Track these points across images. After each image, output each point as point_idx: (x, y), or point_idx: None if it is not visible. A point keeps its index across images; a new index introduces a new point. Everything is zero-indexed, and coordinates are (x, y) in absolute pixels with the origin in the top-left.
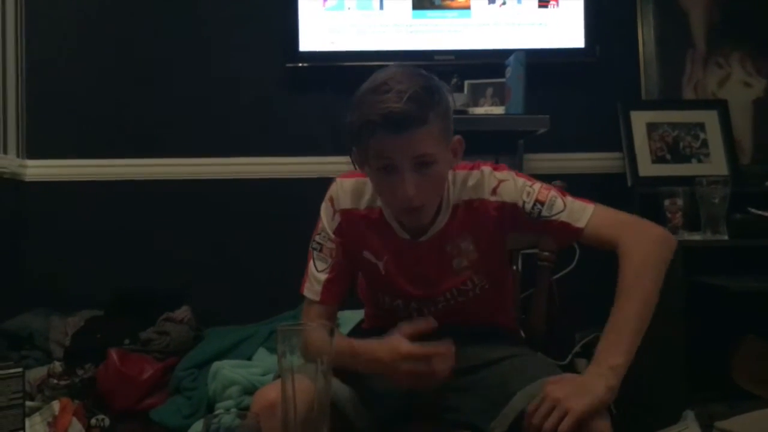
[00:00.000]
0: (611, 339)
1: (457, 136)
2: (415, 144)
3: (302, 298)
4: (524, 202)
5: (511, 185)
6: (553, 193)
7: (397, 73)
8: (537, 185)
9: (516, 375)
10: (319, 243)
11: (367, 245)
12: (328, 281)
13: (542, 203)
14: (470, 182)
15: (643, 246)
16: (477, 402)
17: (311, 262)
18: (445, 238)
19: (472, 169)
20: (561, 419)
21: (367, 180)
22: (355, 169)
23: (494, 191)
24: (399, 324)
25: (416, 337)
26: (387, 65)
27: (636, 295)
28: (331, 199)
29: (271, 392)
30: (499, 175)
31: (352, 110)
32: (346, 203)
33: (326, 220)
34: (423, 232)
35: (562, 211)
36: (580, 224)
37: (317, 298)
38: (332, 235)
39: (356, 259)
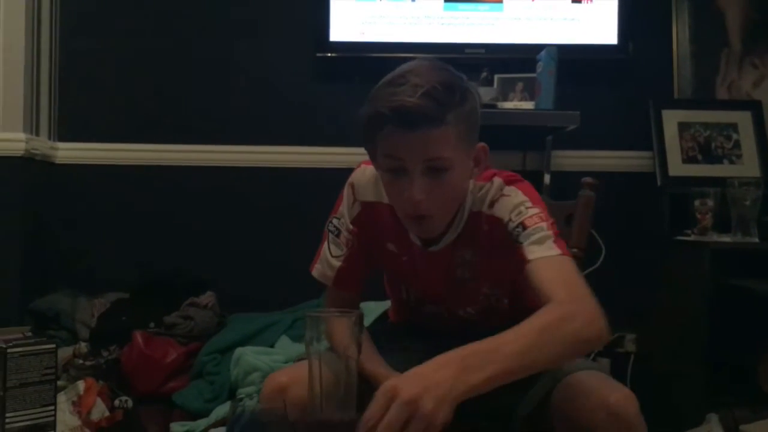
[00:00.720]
0: (494, 347)
1: (481, 144)
2: (428, 145)
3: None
4: (509, 220)
5: (508, 201)
6: (545, 225)
7: (419, 67)
8: (534, 210)
9: None
10: (336, 228)
11: (389, 237)
12: (342, 269)
13: (525, 227)
14: (480, 193)
15: (569, 316)
16: (501, 386)
17: (325, 244)
18: (453, 249)
19: (491, 178)
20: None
21: None
22: (375, 168)
23: (492, 204)
24: None
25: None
26: (416, 57)
27: (545, 341)
28: (352, 186)
29: (282, 377)
30: (506, 189)
31: (367, 101)
32: (367, 194)
33: (346, 205)
34: (434, 242)
35: (532, 243)
36: (530, 255)
37: (329, 283)
38: (350, 225)
39: (379, 249)
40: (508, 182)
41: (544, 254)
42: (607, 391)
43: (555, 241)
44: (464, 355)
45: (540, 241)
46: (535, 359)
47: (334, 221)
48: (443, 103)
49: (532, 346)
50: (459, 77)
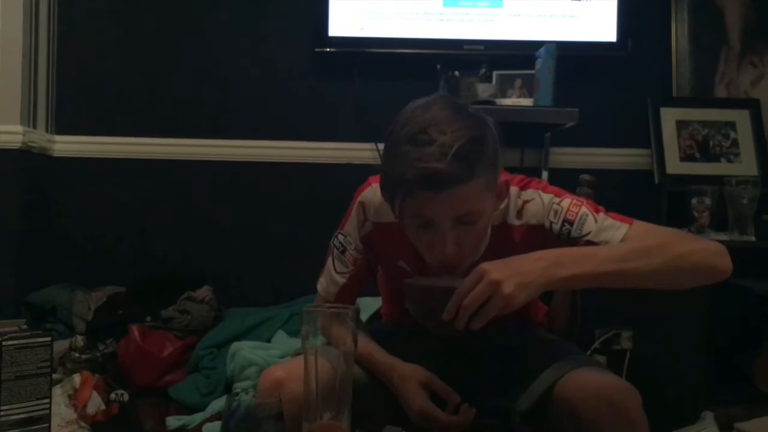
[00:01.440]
0: (592, 252)
1: (504, 179)
2: (459, 203)
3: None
4: (551, 222)
5: (537, 205)
6: (585, 209)
7: (440, 118)
8: (566, 201)
9: (542, 355)
10: (342, 244)
11: (402, 255)
12: (345, 286)
13: (571, 222)
14: (501, 206)
15: (693, 245)
16: (501, 384)
17: (330, 259)
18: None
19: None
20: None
21: None
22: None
23: (519, 214)
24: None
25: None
26: (415, 53)
27: (660, 254)
28: (363, 205)
29: (278, 371)
30: (524, 195)
31: (386, 158)
32: (380, 216)
33: (355, 224)
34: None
35: (591, 231)
36: (611, 245)
37: (331, 299)
38: (359, 243)
39: (390, 266)
40: (523, 187)
41: (620, 234)
42: (610, 386)
43: (610, 216)
44: (560, 253)
45: (603, 227)
46: (631, 267)
47: (340, 237)
48: (473, 160)
49: (633, 257)
50: (482, 121)
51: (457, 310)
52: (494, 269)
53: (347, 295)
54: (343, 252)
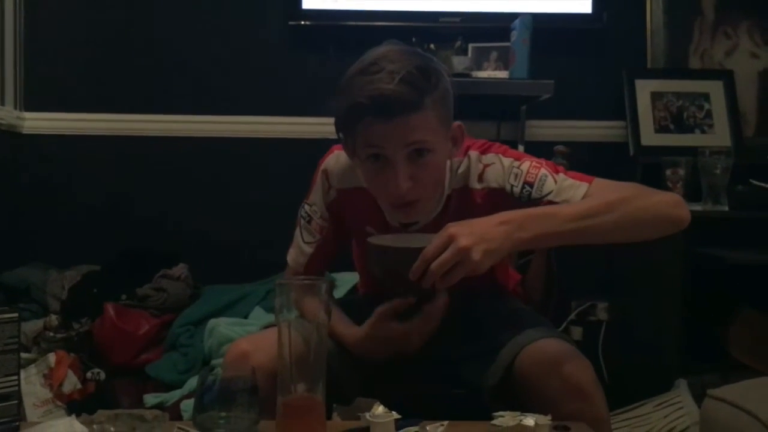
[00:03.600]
0: (553, 211)
1: (457, 123)
2: (409, 131)
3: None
4: (512, 186)
5: (497, 168)
6: (544, 170)
7: (389, 52)
8: (526, 164)
9: (508, 327)
10: (308, 214)
11: (368, 221)
12: (313, 256)
13: (531, 184)
14: (461, 169)
15: (651, 198)
16: (469, 355)
17: (298, 230)
18: (436, 228)
19: (465, 154)
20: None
21: None
22: (349, 156)
23: (480, 177)
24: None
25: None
26: (390, 25)
27: (619, 209)
28: (326, 173)
29: (244, 344)
30: (485, 158)
31: (338, 93)
32: (343, 182)
33: (320, 193)
34: (413, 223)
35: (551, 192)
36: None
37: (301, 270)
38: (324, 211)
39: (357, 231)
40: (483, 151)
41: (580, 193)
42: (562, 360)
43: (570, 176)
44: (523, 215)
45: (563, 186)
46: (593, 223)
47: (306, 208)
48: (421, 87)
49: (594, 213)
50: (431, 59)
51: (423, 271)
52: (463, 234)
53: (316, 264)
54: (309, 222)
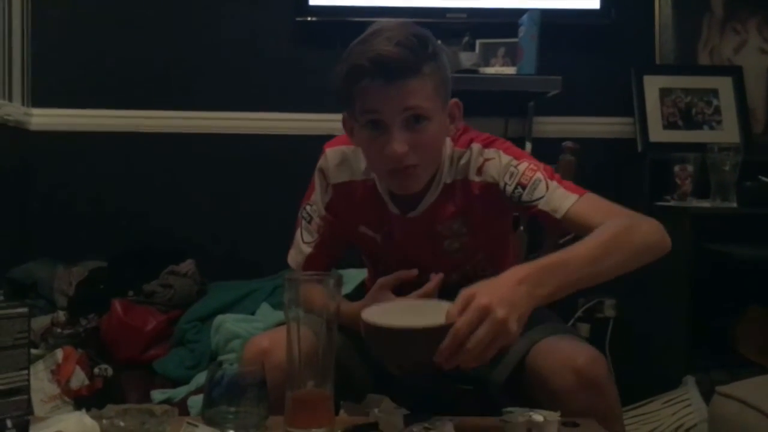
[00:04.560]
0: (564, 258)
1: (454, 99)
2: (406, 95)
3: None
4: (506, 184)
5: (496, 164)
6: (539, 175)
7: (389, 23)
8: (523, 165)
9: None
10: (309, 214)
11: (363, 219)
12: (311, 256)
13: (524, 186)
14: (463, 159)
15: (642, 227)
16: None
17: (299, 230)
18: (435, 217)
19: (468, 146)
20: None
21: (357, 148)
22: (349, 135)
23: (479, 171)
24: (379, 281)
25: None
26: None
27: (624, 246)
28: (322, 171)
29: (263, 340)
30: (486, 153)
31: (339, 63)
32: (338, 176)
33: (319, 192)
34: (413, 207)
35: (542, 198)
36: (557, 214)
37: (298, 269)
38: (323, 211)
39: (353, 234)
40: (486, 145)
41: (567, 204)
42: (575, 354)
43: (562, 185)
44: (539, 268)
45: (553, 196)
46: (602, 268)
47: (307, 208)
48: (419, 52)
49: (601, 256)
50: (429, 33)
51: (454, 351)
52: (497, 305)
53: (315, 264)
54: (310, 222)
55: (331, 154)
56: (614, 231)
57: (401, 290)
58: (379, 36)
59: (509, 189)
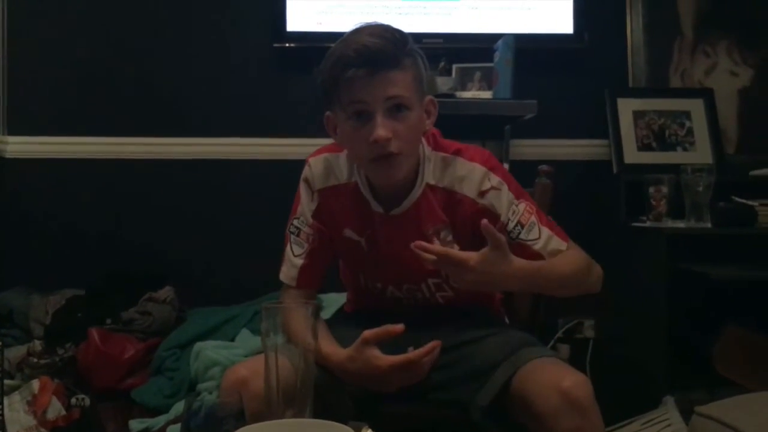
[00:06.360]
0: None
1: (429, 96)
2: (389, 85)
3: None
4: (508, 220)
5: (502, 197)
6: (534, 218)
7: (369, 23)
8: (522, 205)
9: (499, 348)
10: (296, 227)
11: (347, 222)
12: (304, 267)
13: (522, 226)
14: (459, 171)
15: (592, 275)
16: (461, 378)
17: (288, 246)
18: (420, 216)
19: (457, 154)
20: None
21: (339, 154)
22: (332, 134)
23: (483, 194)
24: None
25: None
26: None
27: (575, 276)
28: (307, 181)
29: (242, 370)
30: (494, 180)
31: (324, 60)
32: (321, 182)
33: (305, 202)
34: (396, 205)
35: (537, 239)
36: (547, 255)
37: (293, 284)
38: (310, 220)
39: (338, 239)
40: (490, 168)
41: (560, 249)
42: (560, 376)
43: (549, 229)
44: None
45: (549, 244)
46: (553, 288)
47: (295, 222)
48: (399, 46)
49: (562, 282)
50: (407, 33)
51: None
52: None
53: (309, 275)
54: (298, 234)
55: (314, 162)
56: (576, 267)
57: (389, 341)
58: (362, 32)
59: (510, 225)
